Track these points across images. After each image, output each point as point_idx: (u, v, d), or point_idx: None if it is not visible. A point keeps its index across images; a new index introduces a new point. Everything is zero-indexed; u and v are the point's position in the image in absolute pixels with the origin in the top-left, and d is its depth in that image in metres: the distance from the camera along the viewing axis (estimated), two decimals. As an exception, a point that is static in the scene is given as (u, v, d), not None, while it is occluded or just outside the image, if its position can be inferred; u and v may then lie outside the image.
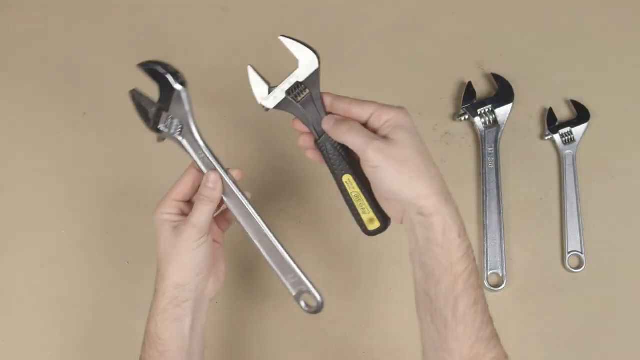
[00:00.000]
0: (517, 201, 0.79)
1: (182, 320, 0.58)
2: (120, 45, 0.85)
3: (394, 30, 0.88)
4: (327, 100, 0.57)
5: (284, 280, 0.59)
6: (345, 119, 0.56)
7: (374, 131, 0.55)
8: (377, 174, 0.53)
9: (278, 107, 0.59)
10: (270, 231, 0.59)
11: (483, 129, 0.81)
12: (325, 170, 0.80)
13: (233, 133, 0.80)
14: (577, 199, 0.78)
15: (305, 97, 0.57)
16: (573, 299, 0.75)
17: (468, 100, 0.82)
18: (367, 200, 0.58)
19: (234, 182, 0.59)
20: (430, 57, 0.85)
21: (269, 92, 0.58)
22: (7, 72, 0.84)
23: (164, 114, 0.59)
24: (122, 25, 0.86)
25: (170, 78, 0.57)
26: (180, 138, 0.59)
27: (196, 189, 0.60)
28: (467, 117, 0.82)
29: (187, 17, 0.87)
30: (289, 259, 0.59)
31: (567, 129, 0.81)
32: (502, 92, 0.83)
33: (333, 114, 0.57)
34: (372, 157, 0.52)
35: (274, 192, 0.78)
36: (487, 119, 0.81)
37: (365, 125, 0.56)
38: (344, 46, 0.86)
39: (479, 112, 0.81)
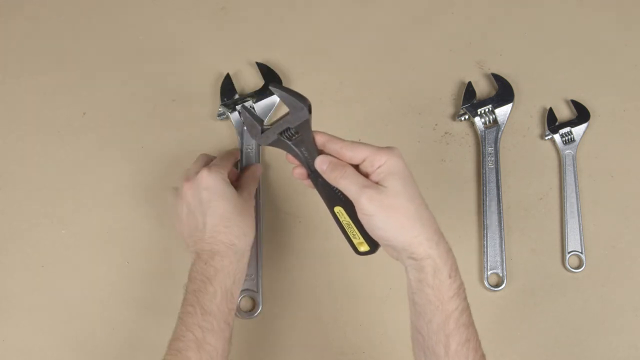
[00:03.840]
0: (517, 201, 0.79)
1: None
2: (120, 45, 0.85)
3: (393, 29, 0.88)
4: (320, 140, 0.58)
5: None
6: (339, 163, 0.57)
7: (366, 175, 0.56)
8: (370, 221, 0.55)
9: (271, 145, 0.60)
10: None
11: (483, 129, 0.81)
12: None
13: (233, 133, 0.80)
14: (577, 199, 0.78)
15: (297, 138, 0.59)
16: (573, 299, 0.75)
17: (468, 100, 0.82)
18: (358, 229, 0.60)
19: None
20: (430, 57, 0.85)
21: (262, 132, 0.60)
22: (7, 72, 0.83)
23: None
24: (122, 25, 0.86)
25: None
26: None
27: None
28: (467, 117, 0.82)
29: (187, 17, 0.87)
30: None
31: (567, 129, 0.81)
32: (502, 92, 0.83)
33: (325, 153, 0.58)
34: (366, 206, 0.54)
35: (273, 192, 0.78)
36: (487, 119, 0.81)
37: (357, 167, 0.57)
38: (344, 46, 0.86)
39: (479, 112, 0.81)
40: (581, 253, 0.76)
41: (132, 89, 0.82)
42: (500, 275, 0.75)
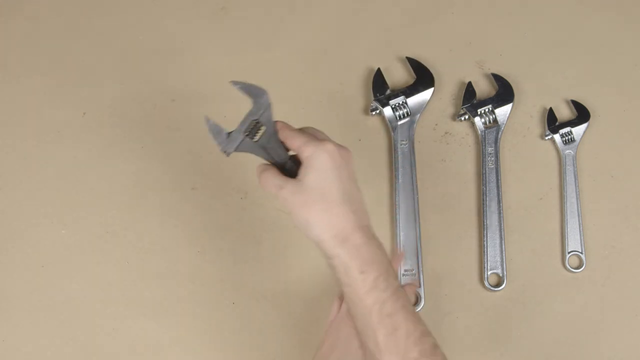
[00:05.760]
0: (517, 201, 0.79)
1: None
2: (120, 45, 0.85)
3: (393, 30, 0.88)
4: (277, 129, 0.58)
5: None
6: (263, 167, 0.57)
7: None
8: (293, 220, 0.54)
9: (238, 149, 0.59)
10: None
11: (483, 129, 0.81)
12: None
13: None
14: (577, 199, 0.78)
15: (262, 135, 0.59)
16: (573, 299, 0.75)
17: (468, 100, 0.82)
18: None
19: None
20: (430, 57, 0.85)
21: (228, 137, 0.59)
22: (7, 72, 0.83)
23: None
24: (122, 25, 0.86)
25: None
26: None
27: None
28: (467, 117, 0.82)
29: (187, 17, 0.87)
30: None
31: (567, 129, 0.82)
32: (502, 92, 0.83)
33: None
34: (283, 205, 0.54)
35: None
36: (487, 119, 0.81)
37: None
38: (343, 46, 0.86)
39: (479, 112, 0.81)
40: (581, 253, 0.76)
41: (132, 89, 0.82)
42: (500, 275, 0.75)
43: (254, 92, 0.60)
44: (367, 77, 0.84)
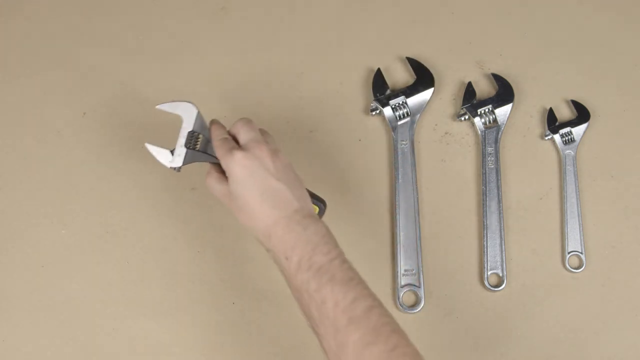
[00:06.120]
0: (517, 201, 0.79)
1: None
2: (120, 45, 0.85)
3: (393, 30, 0.88)
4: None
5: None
6: (208, 170, 0.63)
7: None
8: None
9: (186, 161, 0.63)
10: None
11: (483, 129, 0.81)
12: (321, 168, 0.80)
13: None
14: (577, 199, 0.78)
15: (202, 142, 0.63)
16: (573, 299, 0.75)
17: (468, 100, 0.82)
18: None
19: None
20: (430, 57, 0.85)
21: (172, 154, 0.63)
22: (7, 72, 0.83)
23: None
24: (122, 25, 0.86)
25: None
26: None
27: None
28: (467, 117, 0.82)
29: (187, 17, 0.87)
30: None
31: (567, 129, 0.82)
32: (502, 92, 0.83)
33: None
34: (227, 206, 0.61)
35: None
36: (487, 119, 0.81)
37: None
38: (343, 46, 0.86)
39: (479, 112, 0.81)
40: (581, 253, 0.76)
41: (132, 89, 0.82)
42: (500, 275, 0.75)
43: (180, 107, 0.64)
44: (367, 77, 0.84)
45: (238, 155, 0.58)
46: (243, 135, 0.61)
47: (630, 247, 0.77)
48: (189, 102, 0.64)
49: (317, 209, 0.68)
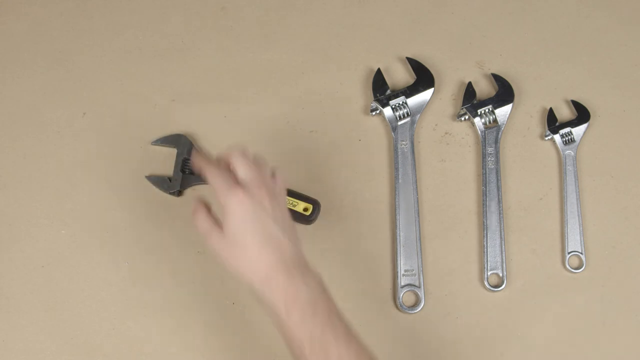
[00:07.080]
0: (517, 201, 0.79)
1: None
2: (120, 45, 0.85)
3: (393, 30, 0.88)
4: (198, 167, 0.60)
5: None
6: (195, 206, 0.59)
7: None
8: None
9: (184, 186, 0.75)
10: None
11: (483, 129, 0.81)
12: (321, 168, 0.80)
13: (233, 133, 0.80)
14: (577, 199, 0.78)
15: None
16: (573, 299, 0.75)
17: (468, 100, 0.82)
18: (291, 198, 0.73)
19: None
20: (430, 57, 0.85)
21: (171, 181, 0.75)
22: (7, 72, 0.83)
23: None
24: (122, 25, 0.86)
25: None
26: None
27: None
28: (467, 117, 0.82)
29: (187, 17, 0.87)
30: None
31: (567, 129, 0.82)
32: (502, 92, 0.83)
33: None
34: (212, 251, 0.57)
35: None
36: (487, 119, 0.81)
37: None
38: (343, 46, 0.86)
39: (479, 112, 0.81)
40: (581, 253, 0.76)
41: (132, 89, 0.82)
42: (500, 275, 0.75)
43: (173, 138, 0.76)
44: (367, 77, 0.84)
45: (240, 194, 0.55)
46: (242, 172, 0.58)
47: (630, 247, 0.77)
48: (181, 134, 0.76)
49: (310, 208, 0.73)
